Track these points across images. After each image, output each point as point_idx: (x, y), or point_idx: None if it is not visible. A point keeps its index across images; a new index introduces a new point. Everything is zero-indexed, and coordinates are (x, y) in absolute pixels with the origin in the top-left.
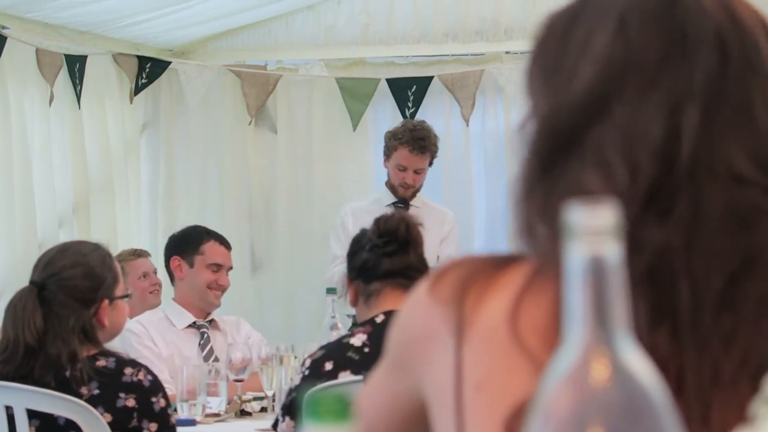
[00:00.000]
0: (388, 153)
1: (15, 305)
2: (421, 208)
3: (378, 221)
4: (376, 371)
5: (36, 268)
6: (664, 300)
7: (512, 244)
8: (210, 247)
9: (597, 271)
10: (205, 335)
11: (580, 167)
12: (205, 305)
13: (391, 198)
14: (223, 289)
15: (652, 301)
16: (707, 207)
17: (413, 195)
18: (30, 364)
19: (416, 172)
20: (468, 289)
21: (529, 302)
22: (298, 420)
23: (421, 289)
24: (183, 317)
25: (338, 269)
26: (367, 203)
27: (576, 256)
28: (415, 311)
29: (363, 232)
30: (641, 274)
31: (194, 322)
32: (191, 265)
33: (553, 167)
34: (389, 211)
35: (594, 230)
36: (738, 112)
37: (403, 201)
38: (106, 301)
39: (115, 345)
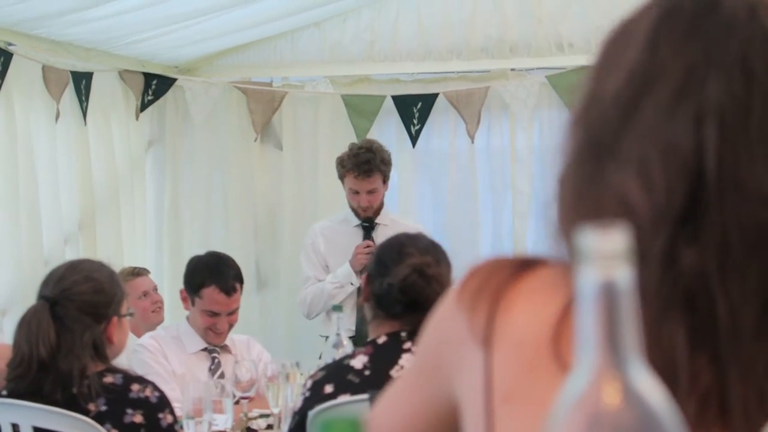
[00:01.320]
0: (341, 179)
1: (28, 321)
2: (389, 225)
3: (406, 279)
4: (402, 379)
5: (46, 284)
6: (703, 323)
7: (549, 248)
8: (208, 293)
9: (609, 295)
10: (216, 360)
11: (619, 175)
12: (206, 342)
13: (356, 219)
14: (221, 332)
15: (691, 324)
16: (737, 227)
17: (376, 214)
18: (42, 379)
19: (369, 192)
20: (490, 298)
21: (570, 321)
22: None
23: (451, 295)
24: (194, 341)
25: (311, 290)
26: (335, 223)
27: (588, 280)
28: (445, 317)
29: (391, 259)
30: (678, 296)
31: (205, 348)
32: (193, 303)
33: (591, 172)
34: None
35: (606, 254)
36: (765, 131)
37: (368, 220)
38: (116, 318)
39: (126, 360)
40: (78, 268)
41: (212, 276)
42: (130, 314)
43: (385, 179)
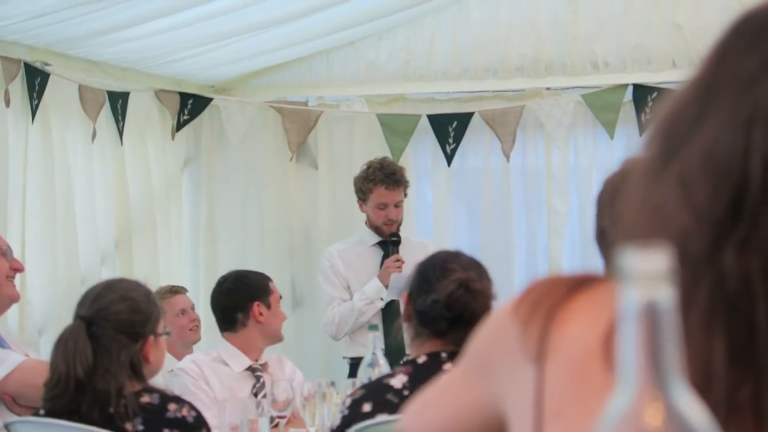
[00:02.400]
0: (364, 197)
1: (65, 341)
2: (404, 243)
3: (452, 294)
4: (446, 381)
5: (82, 304)
6: (743, 331)
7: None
8: (273, 286)
9: (651, 315)
10: (261, 379)
11: (662, 185)
12: (276, 341)
13: (374, 238)
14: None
15: (730, 333)
16: None
17: (398, 229)
18: (79, 399)
19: (396, 206)
20: (544, 314)
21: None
22: None
23: (508, 306)
24: (239, 360)
25: (339, 309)
26: (350, 245)
27: (630, 300)
28: (498, 328)
29: (434, 275)
30: (719, 301)
31: (250, 366)
32: (268, 307)
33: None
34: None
35: (648, 274)
36: None
37: (395, 235)
38: (152, 337)
39: (162, 380)
40: (114, 287)
41: (262, 274)
42: (167, 333)
43: (405, 193)
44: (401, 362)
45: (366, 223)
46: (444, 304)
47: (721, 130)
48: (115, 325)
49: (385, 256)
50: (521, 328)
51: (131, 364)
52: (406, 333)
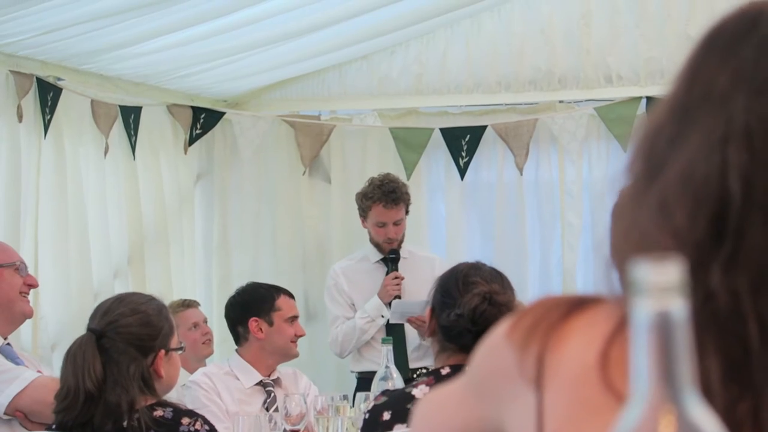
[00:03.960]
0: (364, 214)
1: (74, 353)
2: (408, 258)
3: (477, 308)
4: (453, 386)
5: (93, 317)
6: (735, 349)
7: (599, 284)
8: (284, 302)
9: (663, 327)
10: (272, 395)
11: (644, 209)
12: (286, 359)
13: (377, 255)
14: (300, 337)
15: (723, 353)
16: (766, 249)
17: (399, 246)
18: (90, 411)
19: (395, 224)
20: (541, 337)
21: (619, 346)
22: None
23: (501, 329)
24: (250, 375)
25: (341, 328)
26: (354, 262)
27: (642, 311)
28: (495, 350)
29: (457, 289)
30: (709, 321)
31: (261, 381)
32: (270, 324)
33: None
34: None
35: (660, 286)
36: None
37: (394, 252)
38: (163, 352)
39: (176, 395)
40: (125, 300)
41: (276, 289)
42: (181, 349)
43: (407, 210)
44: (424, 373)
45: (369, 239)
46: (469, 319)
47: (697, 151)
48: (125, 339)
49: (388, 273)
50: (518, 353)
51: (143, 378)
52: (431, 347)
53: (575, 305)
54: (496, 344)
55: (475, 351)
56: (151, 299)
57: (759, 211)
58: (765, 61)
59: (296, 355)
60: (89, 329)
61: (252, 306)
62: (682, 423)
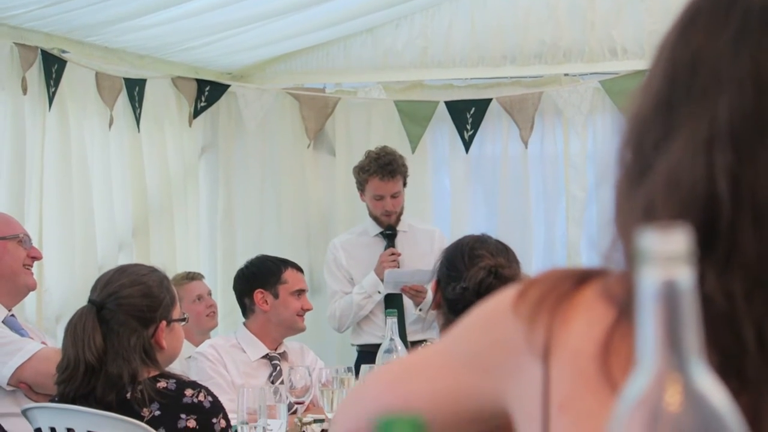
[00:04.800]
0: (361, 188)
1: (75, 325)
2: (408, 231)
3: (482, 282)
4: (429, 353)
5: (94, 288)
6: (731, 350)
7: (604, 263)
8: (290, 275)
9: (670, 295)
10: (278, 368)
11: (634, 213)
12: (292, 332)
13: (377, 228)
14: (306, 312)
15: (720, 352)
16: (761, 251)
17: (398, 220)
18: (91, 383)
19: (393, 197)
20: (550, 310)
21: (620, 338)
22: None
23: (507, 301)
24: (256, 348)
25: (339, 304)
26: (354, 236)
27: (648, 281)
28: (498, 322)
29: (462, 263)
30: (704, 324)
31: (267, 354)
32: (276, 296)
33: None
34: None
35: (666, 255)
36: None
37: (390, 228)
38: (164, 323)
39: (179, 366)
40: (126, 272)
41: (284, 262)
42: (184, 320)
43: (405, 183)
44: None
45: (369, 213)
46: (474, 292)
47: (682, 155)
48: (125, 310)
49: (387, 248)
50: (526, 325)
51: (144, 349)
52: (436, 320)
53: (581, 278)
54: (499, 316)
55: (466, 320)
56: (152, 270)
57: (749, 212)
58: (745, 52)
59: (302, 329)
60: (90, 301)
61: (258, 278)
62: (688, 391)
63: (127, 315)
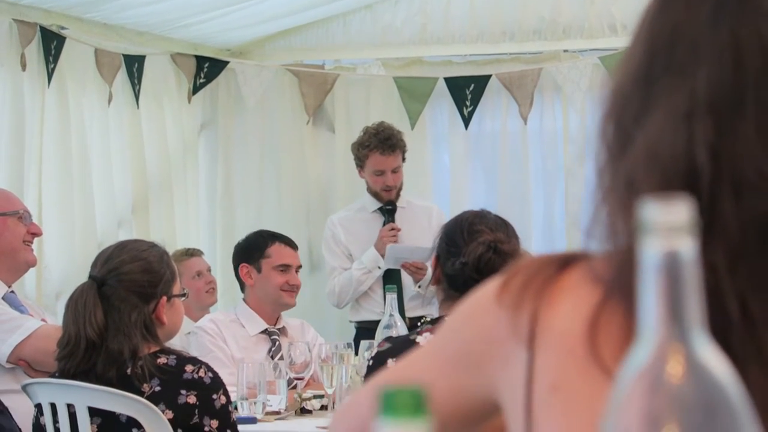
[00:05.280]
0: (360, 164)
1: (75, 301)
2: (407, 207)
3: (481, 257)
4: (429, 359)
5: (95, 264)
6: (716, 320)
7: (586, 240)
8: (275, 250)
9: (672, 266)
10: (277, 343)
11: (616, 190)
12: (279, 308)
13: (375, 204)
14: (295, 288)
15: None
16: (743, 222)
17: (397, 195)
18: (92, 359)
19: (393, 171)
20: (534, 296)
21: (607, 317)
22: None
23: (489, 292)
24: (255, 323)
25: (338, 280)
26: (352, 212)
27: (651, 251)
28: (483, 315)
29: (461, 238)
30: None
31: (266, 329)
32: (259, 271)
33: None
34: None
35: (669, 226)
36: (766, 121)
37: (390, 203)
38: (165, 298)
39: (179, 341)
40: (126, 248)
41: (273, 236)
42: (184, 295)
43: (404, 158)
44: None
45: (367, 189)
46: (473, 267)
47: (662, 128)
48: (126, 286)
49: (385, 224)
50: (510, 313)
51: (144, 325)
52: (436, 295)
53: (564, 262)
54: (483, 309)
55: (451, 319)
56: (152, 246)
57: (729, 184)
58: (724, 26)
59: (289, 305)
60: (90, 277)
61: (244, 252)
62: (690, 362)
63: (128, 291)
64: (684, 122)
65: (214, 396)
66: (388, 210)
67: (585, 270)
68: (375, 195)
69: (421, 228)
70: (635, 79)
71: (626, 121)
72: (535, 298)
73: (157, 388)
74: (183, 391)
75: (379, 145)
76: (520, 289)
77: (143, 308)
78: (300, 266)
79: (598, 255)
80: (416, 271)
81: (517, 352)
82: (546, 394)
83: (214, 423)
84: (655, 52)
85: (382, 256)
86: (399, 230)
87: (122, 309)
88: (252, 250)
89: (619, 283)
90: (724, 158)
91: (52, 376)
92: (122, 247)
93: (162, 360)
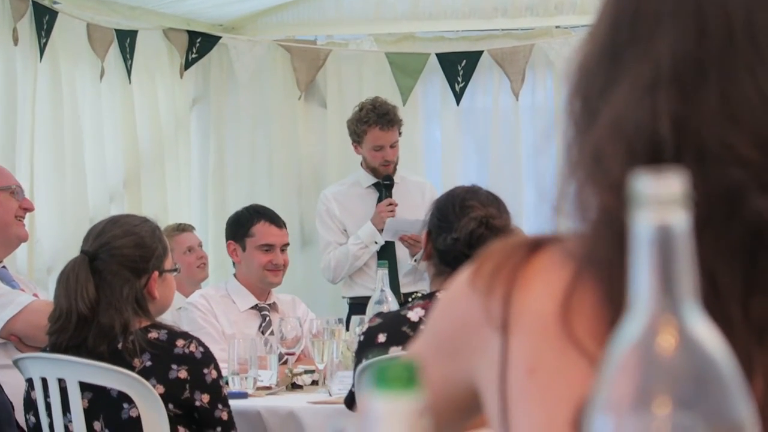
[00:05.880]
0: (358, 140)
1: (67, 275)
2: (400, 183)
3: (473, 232)
4: (420, 349)
5: (87, 239)
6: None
7: (555, 217)
8: (260, 228)
9: (664, 239)
10: (267, 318)
11: (583, 164)
12: (264, 285)
13: (369, 180)
14: (279, 267)
15: None
16: (708, 193)
17: (394, 170)
18: (83, 333)
19: (392, 146)
20: (506, 280)
21: (580, 294)
22: (361, 386)
23: (462, 278)
24: (245, 298)
25: (334, 254)
26: (346, 187)
27: (643, 224)
28: (458, 301)
29: (453, 213)
30: None
31: (256, 305)
32: (244, 249)
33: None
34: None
35: (661, 199)
36: (729, 92)
37: (388, 178)
38: (157, 273)
39: (170, 317)
40: (119, 222)
41: (259, 214)
42: (176, 270)
43: (400, 133)
44: (419, 296)
45: (361, 164)
46: (465, 243)
47: (627, 100)
48: (119, 260)
49: (381, 199)
50: (483, 298)
51: (136, 300)
52: (427, 270)
53: (535, 245)
54: (457, 296)
55: (433, 312)
56: (144, 221)
57: (693, 153)
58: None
59: (273, 284)
60: (82, 251)
61: (230, 229)
62: (682, 335)
63: (120, 265)
64: (648, 93)
65: (205, 370)
66: (386, 185)
67: (556, 251)
68: (372, 170)
69: (415, 203)
70: (600, 54)
71: (592, 95)
72: (506, 282)
73: (148, 363)
74: (174, 366)
75: (378, 120)
76: (492, 273)
77: (135, 283)
78: (287, 244)
79: (569, 236)
80: (414, 244)
81: (492, 337)
82: (522, 378)
83: (205, 397)
84: (620, 25)
85: (380, 231)
86: (396, 205)
87: (114, 283)
88: (237, 228)
89: (590, 257)
90: (688, 128)
91: (44, 350)
92: (114, 221)
93: (153, 335)
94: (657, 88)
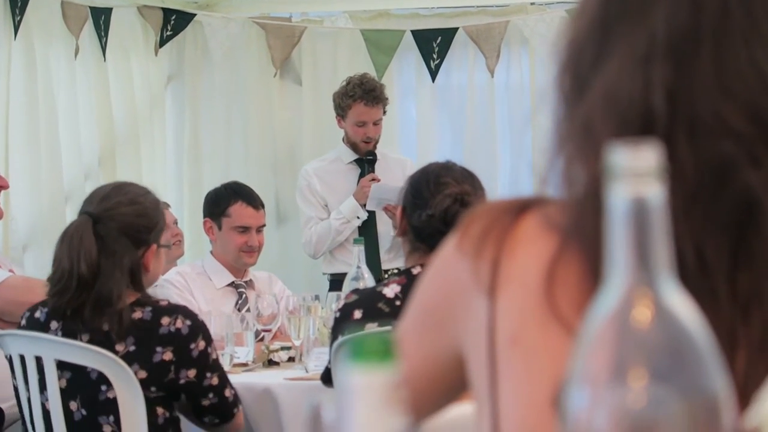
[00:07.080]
0: (342, 113)
1: (71, 235)
2: (381, 160)
3: (448, 209)
4: (406, 325)
5: (90, 201)
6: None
7: (540, 186)
8: (236, 210)
9: (640, 212)
10: (243, 296)
11: (574, 137)
12: (239, 266)
13: (351, 155)
14: (254, 249)
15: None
16: (699, 165)
17: (374, 147)
18: (82, 297)
19: (375, 123)
20: (494, 243)
21: (564, 266)
22: (338, 362)
23: (449, 244)
24: (221, 275)
25: (316, 229)
26: (327, 163)
27: (618, 197)
28: (445, 267)
29: (428, 190)
30: None
31: (233, 282)
32: (220, 228)
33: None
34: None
35: (637, 171)
36: (723, 64)
37: (371, 153)
38: (155, 246)
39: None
40: (124, 189)
41: (237, 194)
42: (168, 246)
43: (384, 111)
44: (395, 273)
45: (343, 139)
46: (440, 220)
47: (619, 71)
48: (121, 227)
49: (362, 174)
50: (472, 261)
51: (131, 270)
52: (402, 247)
53: (521, 208)
54: (444, 262)
55: (420, 282)
56: (147, 192)
57: (685, 125)
58: None
59: (247, 264)
60: (86, 212)
61: (208, 206)
62: (658, 307)
63: (122, 233)
64: (641, 65)
65: (192, 345)
66: (368, 160)
67: (541, 217)
68: (352, 146)
69: (396, 180)
70: (591, 28)
71: (583, 69)
72: (495, 245)
73: (132, 348)
74: (159, 348)
75: (364, 96)
76: (480, 236)
77: (134, 253)
78: (263, 225)
79: (553, 201)
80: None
81: (478, 301)
82: (506, 347)
83: (192, 372)
84: None
85: (362, 205)
86: (379, 180)
87: (115, 250)
88: (215, 206)
89: (575, 231)
90: (681, 100)
91: (33, 311)
92: (120, 187)
93: (138, 315)
94: (651, 60)
